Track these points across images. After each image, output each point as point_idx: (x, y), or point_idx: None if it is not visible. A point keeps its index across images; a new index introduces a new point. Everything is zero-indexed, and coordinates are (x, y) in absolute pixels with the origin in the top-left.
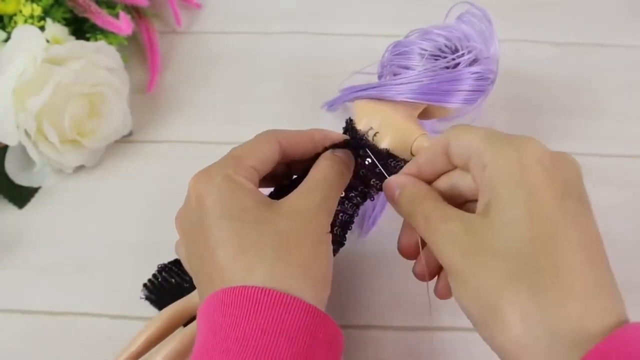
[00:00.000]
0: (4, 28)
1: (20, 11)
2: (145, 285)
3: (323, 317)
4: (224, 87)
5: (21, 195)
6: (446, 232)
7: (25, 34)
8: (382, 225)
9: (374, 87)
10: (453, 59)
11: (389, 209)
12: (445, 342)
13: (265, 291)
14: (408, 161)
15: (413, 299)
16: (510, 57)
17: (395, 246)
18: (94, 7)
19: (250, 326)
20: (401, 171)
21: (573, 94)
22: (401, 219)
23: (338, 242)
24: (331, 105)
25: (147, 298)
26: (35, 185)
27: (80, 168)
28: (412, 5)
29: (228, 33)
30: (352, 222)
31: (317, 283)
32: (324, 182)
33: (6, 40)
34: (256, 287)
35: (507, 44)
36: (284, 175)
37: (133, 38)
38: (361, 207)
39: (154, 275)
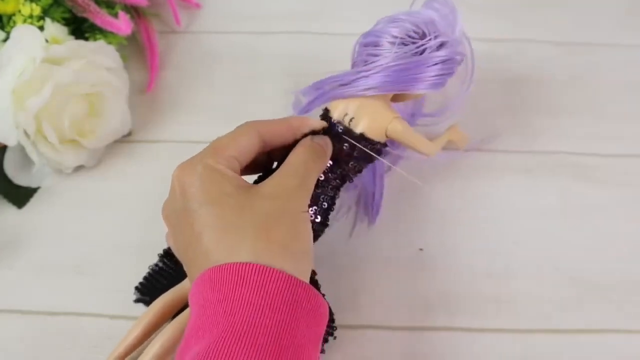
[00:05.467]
0: (3, 28)
1: (20, 11)
2: (137, 287)
3: (305, 288)
4: (223, 87)
5: (20, 195)
6: None
7: (24, 34)
8: (381, 226)
9: (344, 85)
10: (421, 46)
11: (386, 199)
12: (445, 342)
13: (249, 266)
14: (383, 143)
15: (412, 299)
16: (510, 57)
17: (393, 246)
18: (93, 6)
19: (236, 298)
20: None
21: (573, 93)
22: (400, 219)
23: (322, 222)
24: (305, 111)
25: (140, 300)
26: (34, 185)
27: (79, 168)
28: (412, 5)
29: (228, 33)
30: (334, 204)
31: (297, 257)
32: (300, 166)
33: (5, 40)
34: (240, 262)
35: (507, 44)
36: (267, 164)
37: (132, 38)
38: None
39: (145, 277)
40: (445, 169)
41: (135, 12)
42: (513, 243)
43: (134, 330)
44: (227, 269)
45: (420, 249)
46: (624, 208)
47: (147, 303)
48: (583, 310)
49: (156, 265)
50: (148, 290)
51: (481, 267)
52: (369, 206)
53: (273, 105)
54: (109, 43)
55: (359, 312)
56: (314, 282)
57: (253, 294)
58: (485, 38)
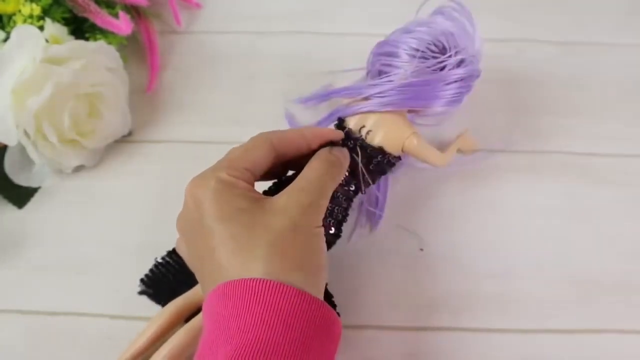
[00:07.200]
0: (3, 28)
1: (20, 11)
2: (142, 280)
3: (319, 304)
4: (224, 87)
5: (21, 195)
6: None
7: (24, 34)
8: (381, 226)
9: (362, 100)
10: (442, 62)
11: (388, 198)
12: (447, 342)
13: (263, 281)
14: (398, 157)
15: (413, 299)
16: (510, 57)
17: (394, 246)
18: (93, 6)
19: (249, 315)
20: None
21: (573, 93)
22: (402, 218)
23: (335, 234)
24: (317, 124)
25: (144, 292)
26: (34, 185)
27: (79, 168)
28: (412, 4)
29: (228, 33)
30: (347, 215)
31: (311, 273)
32: (316, 181)
33: (5, 40)
34: (254, 278)
35: (507, 44)
36: (281, 171)
37: (133, 38)
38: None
39: (151, 270)
40: (447, 168)
41: (135, 12)
42: (515, 243)
43: (146, 333)
44: (240, 284)
45: (421, 249)
46: (625, 208)
47: (151, 296)
48: (585, 311)
49: (163, 259)
50: (153, 283)
51: (483, 266)
52: (369, 212)
53: (273, 105)
54: (109, 43)
55: (361, 312)
56: (325, 291)
57: (265, 311)
58: (485, 38)
